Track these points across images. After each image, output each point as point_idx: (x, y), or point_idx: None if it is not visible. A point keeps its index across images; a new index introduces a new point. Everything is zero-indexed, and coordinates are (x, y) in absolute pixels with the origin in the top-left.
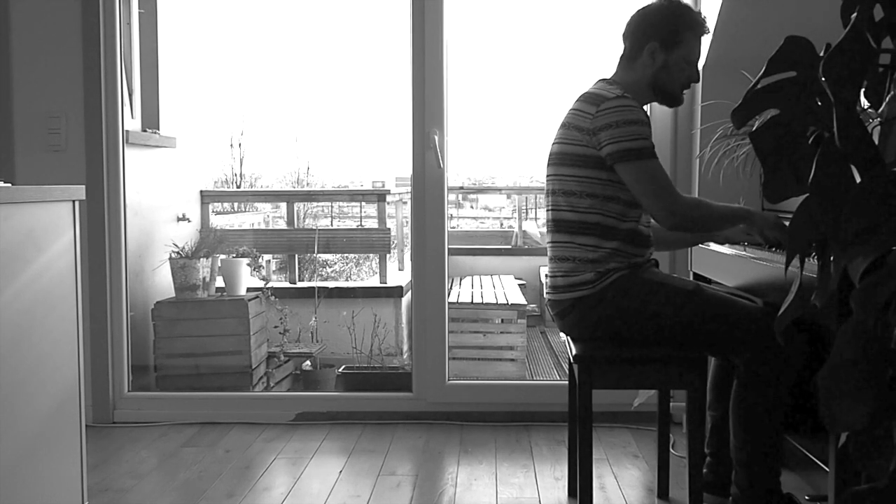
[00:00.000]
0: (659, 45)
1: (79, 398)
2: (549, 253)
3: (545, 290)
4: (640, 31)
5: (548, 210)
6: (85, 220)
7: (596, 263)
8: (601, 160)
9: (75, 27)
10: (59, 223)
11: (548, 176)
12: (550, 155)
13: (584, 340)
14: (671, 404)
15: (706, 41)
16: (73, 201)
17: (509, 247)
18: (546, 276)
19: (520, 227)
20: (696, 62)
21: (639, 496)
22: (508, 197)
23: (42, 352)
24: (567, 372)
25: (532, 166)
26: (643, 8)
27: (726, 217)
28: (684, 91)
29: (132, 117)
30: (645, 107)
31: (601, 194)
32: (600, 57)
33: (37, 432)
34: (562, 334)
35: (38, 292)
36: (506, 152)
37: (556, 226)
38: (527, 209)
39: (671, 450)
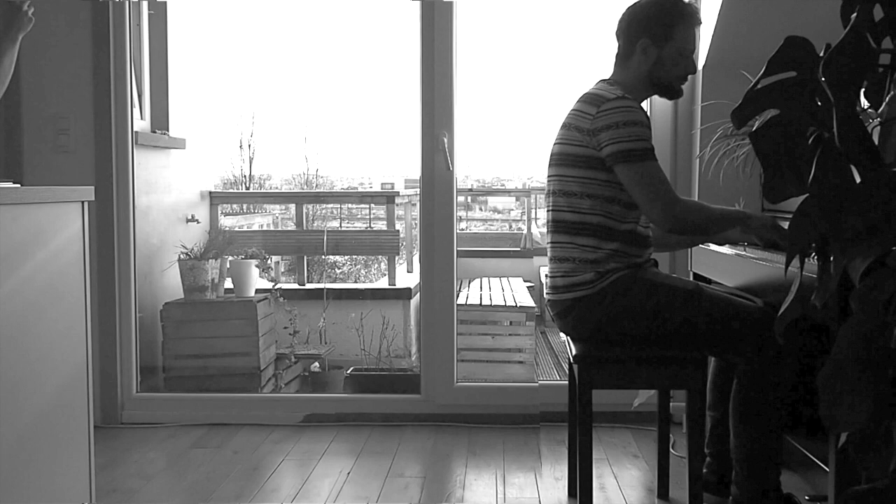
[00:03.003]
0: (650, 41)
1: (87, 398)
2: (548, 253)
3: (545, 291)
4: (631, 29)
5: (548, 210)
6: (94, 221)
7: (595, 264)
8: (601, 161)
9: (85, 28)
10: (68, 224)
11: (548, 176)
12: (551, 155)
13: (584, 340)
14: (671, 404)
15: (706, 40)
16: (82, 202)
17: (518, 249)
18: (546, 276)
19: (528, 229)
20: (692, 53)
21: (639, 496)
22: (517, 199)
23: (50, 349)
24: (567, 372)
25: (541, 168)
26: (633, 4)
27: (724, 220)
28: (683, 83)
29: (141, 118)
30: (645, 103)
31: (601, 195)
32: (608, 57)
33: (43, 427)
34: (562, 334)
35: (46, 292)
36: (514, 154)
37: (556, 226)
38: (536, 210)
39: (671, 450)
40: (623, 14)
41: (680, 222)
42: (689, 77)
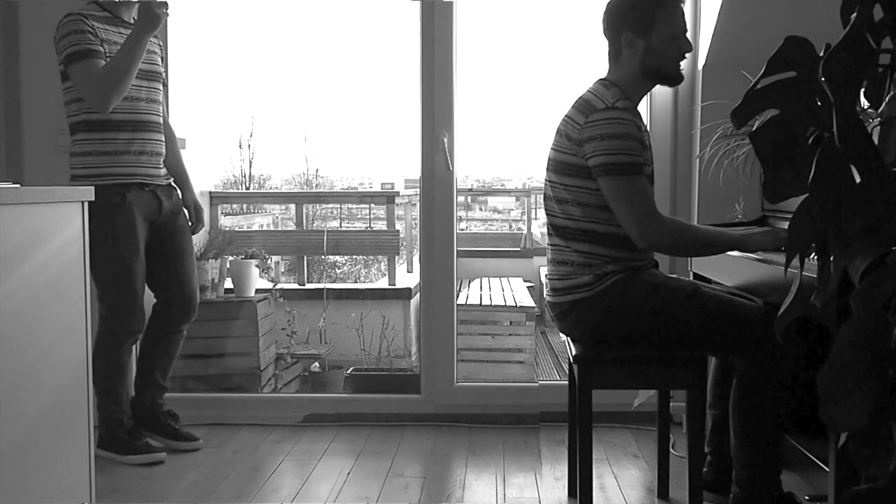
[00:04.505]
0: (633, 33)
1: (87, 398)
2: (548, 255)
3: (545, 292)
4: (613, 25)
5: (546, 214)
6: None
7: (593, 268)
8: (589, 170)
9: None
10: (68, 224)
11: (545, 180)
12: (548, 160)
13: (584, 341)
14: (671, 404)
15: (706, 40)
16: (82, 202)
17: (518, 249)
18: (546, 277)
19: (528, 229)
20: (683, 33)
21: (639, 496)
22: (517, 199)
23: (50, 349)
24: (567, 372)
25: (541, 168)
26: (610, 0)
27: (713, 245)
28: (680, 64)
29: None
30: (645, 103)
31: (592, 203)
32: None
33: (43, 427)
34: (562, 335)
35: (46, 292)
36: (514, 154)
37: (553, 230)
38: (535, 210)
39: (671, 450)
40: (604, 12)
41: (655, 242)
42: (688, 63)
